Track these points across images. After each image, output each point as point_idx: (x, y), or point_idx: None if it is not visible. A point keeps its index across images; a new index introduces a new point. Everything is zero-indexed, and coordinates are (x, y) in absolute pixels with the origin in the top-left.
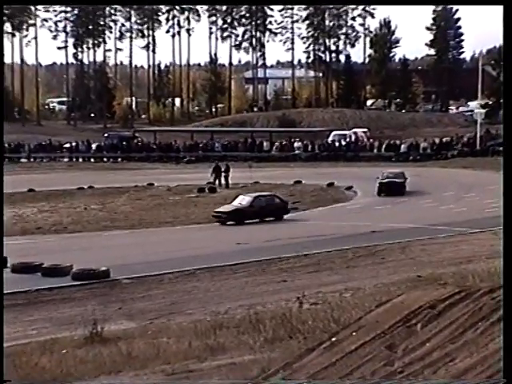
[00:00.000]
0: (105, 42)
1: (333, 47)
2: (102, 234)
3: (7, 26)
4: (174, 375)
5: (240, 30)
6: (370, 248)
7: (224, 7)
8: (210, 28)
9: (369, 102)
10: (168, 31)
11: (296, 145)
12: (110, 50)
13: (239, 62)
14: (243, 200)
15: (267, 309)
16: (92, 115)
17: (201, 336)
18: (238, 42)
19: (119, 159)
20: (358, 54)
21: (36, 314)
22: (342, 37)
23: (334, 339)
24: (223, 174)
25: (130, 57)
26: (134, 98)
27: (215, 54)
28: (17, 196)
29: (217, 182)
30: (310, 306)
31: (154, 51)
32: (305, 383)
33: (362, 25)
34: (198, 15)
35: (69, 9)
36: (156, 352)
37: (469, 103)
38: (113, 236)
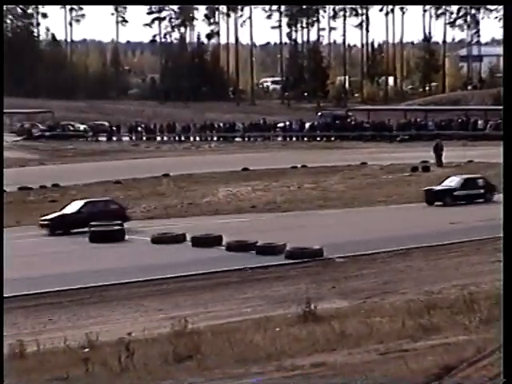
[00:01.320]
0: (318, 21)
1: None
2: (315, 212)
3: (222, 7)
4: (387, 354)
5: (454, 8)
6: None
7: None
8: (424, 5)
9: None
10: (381, 9)
11: None
12: (323, 29)
13: (453, 39)
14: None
15: (481, 289)
16: (305, 94)
17: (414, 316)
18: (452, 20)
19: (332, 138)
20: None
21: (250, 291)
22: None
23: None
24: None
25: (344, 36)
26: (347, 77)
27: (429, 32)
28: (232, 175)
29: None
30: None
31: (367, 30)
32: None
33: None
34: None
35: None
36: (369, 331)
37: None
38: (326, 215)
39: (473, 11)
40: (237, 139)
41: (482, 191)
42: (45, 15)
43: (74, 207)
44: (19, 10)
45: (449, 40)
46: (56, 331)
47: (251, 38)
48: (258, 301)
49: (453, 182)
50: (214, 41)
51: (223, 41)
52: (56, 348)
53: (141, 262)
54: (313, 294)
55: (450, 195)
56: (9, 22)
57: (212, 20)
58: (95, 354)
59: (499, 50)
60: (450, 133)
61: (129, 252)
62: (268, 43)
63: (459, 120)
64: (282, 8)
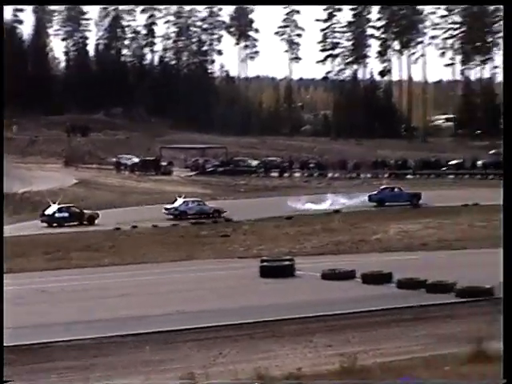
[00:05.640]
0: (492, 59)
1: None
2: (480, 251)
3: (396, 44)
4: None
5: None
6: None
7: None
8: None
9: None
10: None
11: None
12: (497, 67)
13: None
14: None
15: None
16: (478, 132)
17: None
18: None
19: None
20: None
21: (420, 329)
22: None
23: None
24: None
25: None
26: None
27: None
28: (403, 212)
29: None
30: None
31: None
32: None
33: None
34: None
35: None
36: None
37: None
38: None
39: None
40: (408, 176)
41: None
42: (220, 52)
43: None
44: (194, 48)
45: None
46: (226, 365)
47: (424, 76)
48: (428, 339)
49: None
50: (386, 78)
51: (395, 78)
52: (225, 381)
53: (311, 298)
54: (483, 334)
55: None
56: (185, 59)
57: (385, 57)
58: None
59: None
60: None
61: (298, 287)
62: (441, 80)
63: None
64: (456, 45)
